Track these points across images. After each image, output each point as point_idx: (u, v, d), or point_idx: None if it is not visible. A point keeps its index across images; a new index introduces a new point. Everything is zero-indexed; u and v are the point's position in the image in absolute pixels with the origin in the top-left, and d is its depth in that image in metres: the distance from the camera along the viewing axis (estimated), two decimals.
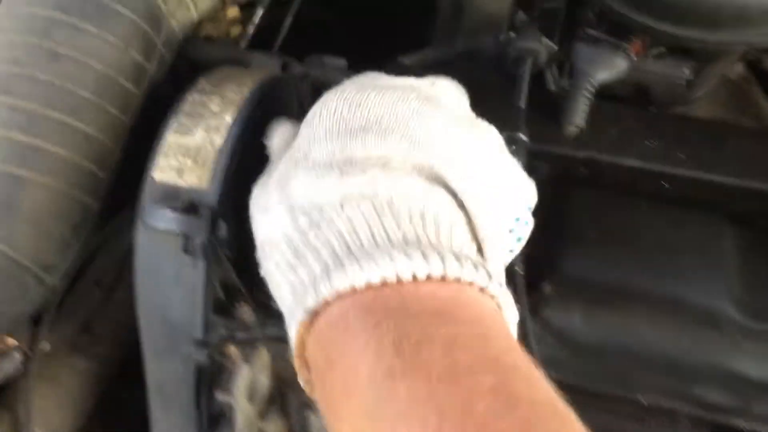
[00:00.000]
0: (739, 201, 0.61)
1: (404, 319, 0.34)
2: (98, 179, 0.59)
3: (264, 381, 0.61)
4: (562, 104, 0.65)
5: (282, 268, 0.40)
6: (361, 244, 0.37)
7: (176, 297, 0.58)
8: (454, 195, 0.40)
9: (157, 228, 0.55)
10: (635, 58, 0.65)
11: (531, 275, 0.55)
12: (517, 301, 0.50)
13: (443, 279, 0.35)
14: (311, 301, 0.37)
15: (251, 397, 0.60)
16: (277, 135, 0.52)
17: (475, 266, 0.36)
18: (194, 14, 0.65)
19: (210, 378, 0.63)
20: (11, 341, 0.76)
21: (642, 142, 0.64)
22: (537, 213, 0.49)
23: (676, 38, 0.58)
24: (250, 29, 0.80)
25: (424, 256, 0.35)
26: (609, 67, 0.64)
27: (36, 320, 0.73)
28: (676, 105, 0.72)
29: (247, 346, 0.61)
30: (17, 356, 0.75)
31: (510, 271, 0.54)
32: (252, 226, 0.46)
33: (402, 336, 0.33)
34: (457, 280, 0.36)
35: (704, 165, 0.62)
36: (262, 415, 0.63)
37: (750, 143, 0.64)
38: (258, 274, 0.58)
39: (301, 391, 0.66)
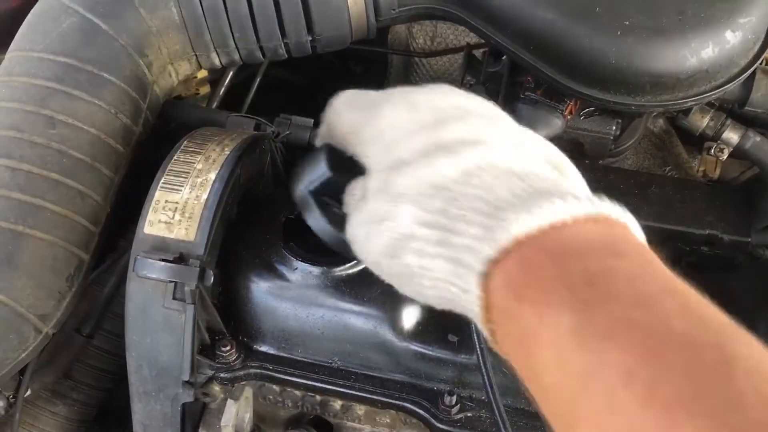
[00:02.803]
0: (662, 241, 0.70)
1: (582, 256, 0.38)
2: (90, 234, 0.64)
3: (248, 417, 0.66)
4: None
5: (428, 251, 0.42)
6: (511, 199, 0.40)
7: (164, 341, 0.63)
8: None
9: (148, 277, 0.61)
10: (569, 118, 0.74)
11: None
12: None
13: (595, 218, 0.40)
14: (489, 251, 0.39)
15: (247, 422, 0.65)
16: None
17: (604, 202, 0.41)
18: (175, 81, 0.72)
19: (194, 417, 0.68)
20: None
21: None
22: None
23: (603, 102, 0.67)
24: (221, 90, 0.86)
25: (576, 197, 0.39)
26: (547, 126, 0.73)
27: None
28: (605, 157, 0.81)
29: (230, 384, 0.66)
30: (1, 403, 0.77)
31: None
32: (357, 253, 0.48)
33: (586, 270, 0.37)
34: (606, 218, 0.40)
35: (631, 210, 0.71)
36: None
37: (669, 190, 0.73)
38: (237, 316, 0.64)
39: (274, 427, 0.72)
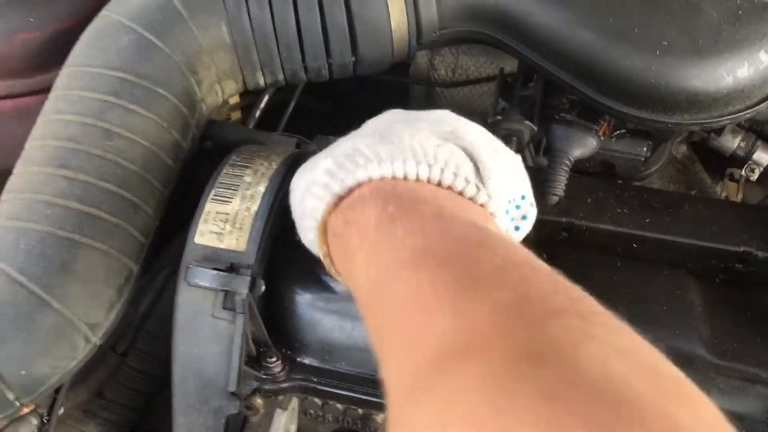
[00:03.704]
0: (697, 258, 0.71)
1: (405, 195, 0.47)
2: (141, 245, 0.65)
3: (293, 429, 0.66)
4: (543, 177, 0.75)
5: (314, 190, 0.52)
6: (378, 157, 0.49)
7: (212, 351, 0.64)
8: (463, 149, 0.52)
9: (199, 286, 0.61)
10: (603, 138, 0.76)
11: None
12: None
13: (439, 184, 0.49)
14: (337, 188, 0.49)
15: None
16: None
17: (467, 181, 0.50)
18: (220, 99, 0.73)
19: (237, 430, 0.68)
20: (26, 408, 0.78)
21: (614, 209, 0.74)
22: None
23: (641, 120, 0.69)
24: (257, 113, 0.88)
25: (429, 166, 0.49)
26: (582, 146, 0.75)
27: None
28: (634, 179, 0.83)
29: (273, 396, 0.66)
30: (34, 421, 0.77)
31: None
32: (293, 208, 0.57)
33: (401, 200, 0.46)
34: (450, 187, 0.49)
35: (666, 228, 0.72)
36: None
37: (701, 209, 0.75)
38: (281, 328, 0.65)
39: None
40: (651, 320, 0.66)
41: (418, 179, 0.49)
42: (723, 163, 0.91)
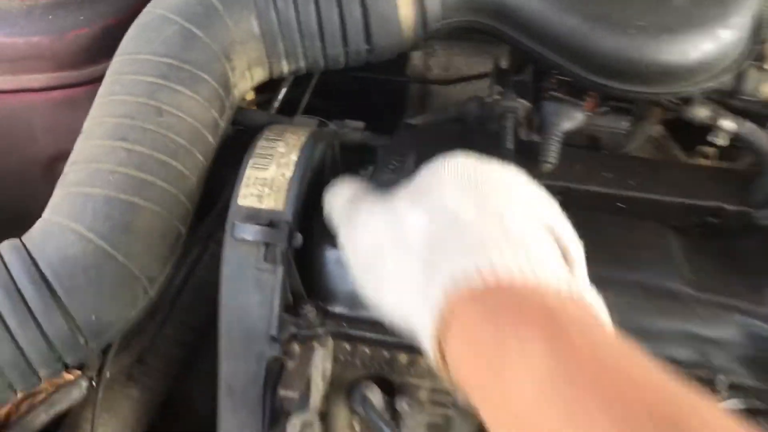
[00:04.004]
0: (675, 213, 0.81)
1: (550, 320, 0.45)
2: (187, 210, 0.73)
3: (328, 366, 0.74)
4: (538, 148, 0.84)
5: (411, 263, 0.50)
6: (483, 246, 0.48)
7: (255, 300, 0.72)
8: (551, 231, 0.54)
9: (244, 240, 0.70)
10: (589, 114, 0.86)
11: None
12: None
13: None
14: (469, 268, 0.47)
15: (322, 377, 0.73)
16: (339, 192, 0.66)
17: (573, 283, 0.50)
18: (249, 85, 0.82)
19: (273, 377, 0.76)
20: (70, 375, 0.86)
21: (600, 174, 0.84)
22: None
23: (622, 92, 0.79)
24: (275, 104, 0.97)
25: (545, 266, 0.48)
26: (571, 119, 0.84)
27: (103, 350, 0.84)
28: (619, 151, 0.93)
29: (309, 342, 0.75)
30: (84, 384, 0.85)
31: None
32: (343, 239, 0.60)
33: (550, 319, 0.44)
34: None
35: (647, 189, 0.82)
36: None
37: (677, 172, 0.85)
38: (313, 280, 0.73)
39: (339, 391, 0.79)
40: (637, 264, 0.76)
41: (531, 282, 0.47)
42: (695, 141, 1.02)
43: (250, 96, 0.97)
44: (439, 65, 1.27)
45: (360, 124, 0.88)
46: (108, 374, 0.86)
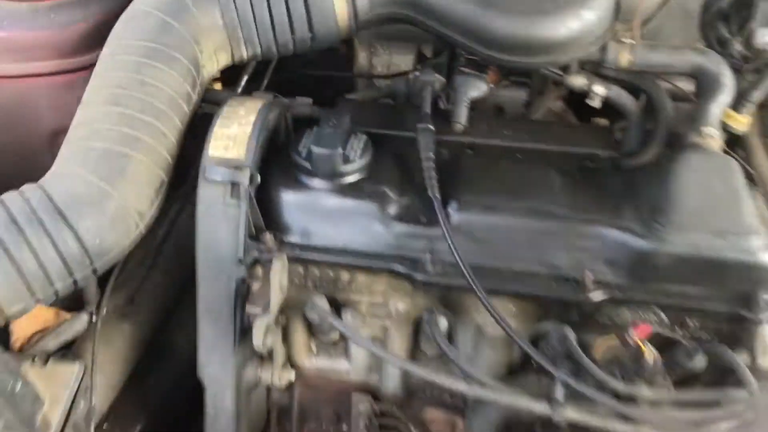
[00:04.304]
0: (560, 159, 1.02)
1: None
2: (168, 162, 0.92)
3: (285, 279, 0.93)
4: (451, 113, 1.05)
5: None
6: None
7: (224, 230, 0.91)
8: None
9: (214, 180, 0.89)
10: (492, 86, 1.07)
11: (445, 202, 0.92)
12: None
13: None
14: None
15: (280, 289, 0.92)
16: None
17: None
18: (216, 67, 1.02)
19: (242, 297, 0.94)
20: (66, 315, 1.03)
21: (501, 131, 1.04)
22: (444, 173, 0.89)
23: (513, 63, 0.99)
24: (240, 87, 1.17)
25: None
26: (476, 89, 1.05)
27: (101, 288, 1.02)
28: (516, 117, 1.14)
29: (269, 266, 0.93)
30: (85, 317, 1.02)
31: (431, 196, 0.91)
32: None
33: None
34: None
35: (538, 141, 1.03)
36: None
37: (563, 128, 1.06)
38: (271, 216, 0.92)
39: (296, 310, 0.98)
40: (528, 194, 0.96)
41: None
42: (589, 114, 1.23)
43: (218, 85, 1.17)
44: (381, 63, 1.48)
45: (308, 100, 1.08)
46: (105, 311, 1.03)
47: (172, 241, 1.10)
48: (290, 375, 1.04)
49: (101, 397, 1.02)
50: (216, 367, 0.97)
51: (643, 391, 0.79)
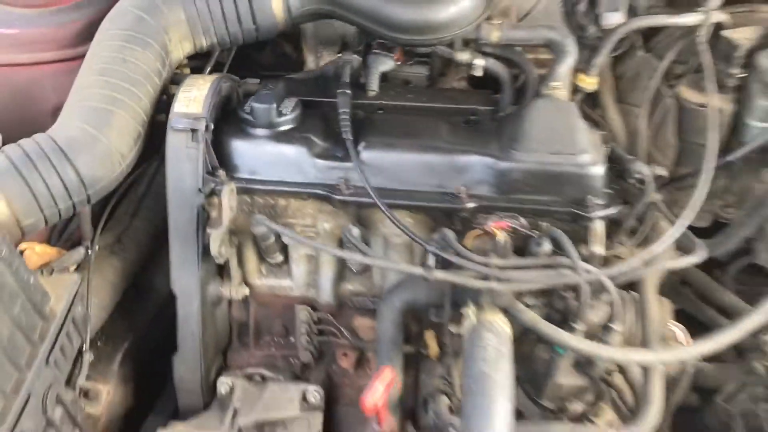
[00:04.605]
0: (450, 114, 1.31)
1: None
2: (143, 119, 1.21)
3: (234, 205, 1.21)
4: (365, 83, 1.35)
5: None
6: None
7: (187, 168, 1.20)
8: None
9: (178, 128, 1.18)
10: (398, 63, 1.37)
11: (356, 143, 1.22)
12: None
13: None
14: None
15: (230, 208, 1.20)
16: None
17: None
18: (182, 53, 1.32)
19: (203, 220, 1.22)
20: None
21: (405, 95, 1.35)
22: (357, 125, 1.19)
23: (411, 42, 1.30)
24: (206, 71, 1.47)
25: None
26: (384, 64, 1.35)
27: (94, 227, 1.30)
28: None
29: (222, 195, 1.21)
30: (82, 250, 1.30)
31: (345, 138, 1.20)
32: None
33: None
34: None
35: (433, 101, 1.33)
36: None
37: (453, 92, 1.37)
38: (222, 158, 1.21)
39: (245, 233, 1.26)
40: (420, 136, 1.25)
41: None
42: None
43: (187, 70, 1.47)
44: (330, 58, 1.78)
45: (256, 80, 1.38)
46: (97, 247, 1.31)
47: (152, 196, 1.39)
48: (245, 290, 1.31)
49: (95, 314, 1.29)
50: (184, 280, 1.24)
51: (494, 260, 1.06)
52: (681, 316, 1.34)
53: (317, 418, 1.26)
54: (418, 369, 1.26)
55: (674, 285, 1.48)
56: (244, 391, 1.28)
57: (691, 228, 1.16)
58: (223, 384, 1.28)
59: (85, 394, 1.29)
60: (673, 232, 1.11)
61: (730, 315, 1.42)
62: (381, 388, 0.99)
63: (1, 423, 0.98)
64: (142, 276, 1.43)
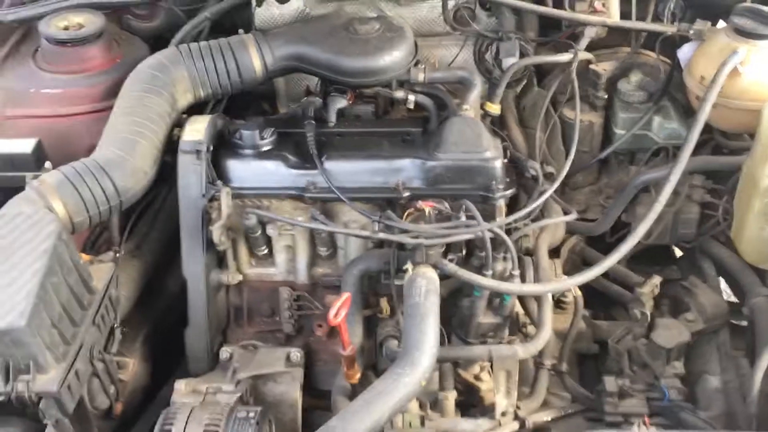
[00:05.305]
0: (389, 135, 1.74)
1: None
2: (159, 147, 1.62)
3: (229, 200, 1.61)
4: (325, 118, 1.78)
5: None
6: None
7: (193, 179, 1.60)
8: None
9: (186, 150, 1.59)
10: (350, 102, 1.81)
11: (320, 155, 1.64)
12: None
13: None
14: None
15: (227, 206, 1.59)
16: None
17: None
18: (185, 102, 1.74)
19: (207, 221, 1.61)
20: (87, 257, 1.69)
21: (356, 125, 1.78)
22: (320, 144, 1.62)
23: (357, 84, 1.74)
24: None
25: None
26: (340, 103, 1.78)
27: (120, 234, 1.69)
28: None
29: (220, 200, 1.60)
30: (111, 253, 1.68)
31: (312, 153, 1.62)
32: None
33: None
34: None
35: (379, 126, 1.76)
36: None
37: (394, 120, 1.80)
38: (218, 171, 1.63)
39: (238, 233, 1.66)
40: (369, 150, 1.67)
41: None
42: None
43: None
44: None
45: (242, 121, 1.81)
46: (123, 251, 1.69)
47: (164, 214, 1.79)
48: (239, 276, 1.69)
49: (122, 302, 1.65)
50: (192, 267, 1.62)
51: (422, 225, 1.47)
52: (586, 291, 1.75)
53: (299, 372, 1.61)
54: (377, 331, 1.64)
55: (576, 264, 1.88)
56: (241, 356, 1.63)
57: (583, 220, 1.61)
58: (224, 352, 1.64)
59: (117, 364, 1.64)
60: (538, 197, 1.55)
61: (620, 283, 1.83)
62: (340, 306, 1.36)
63: (64, 359, 1.33)
64: (156, 278, 1.80)
